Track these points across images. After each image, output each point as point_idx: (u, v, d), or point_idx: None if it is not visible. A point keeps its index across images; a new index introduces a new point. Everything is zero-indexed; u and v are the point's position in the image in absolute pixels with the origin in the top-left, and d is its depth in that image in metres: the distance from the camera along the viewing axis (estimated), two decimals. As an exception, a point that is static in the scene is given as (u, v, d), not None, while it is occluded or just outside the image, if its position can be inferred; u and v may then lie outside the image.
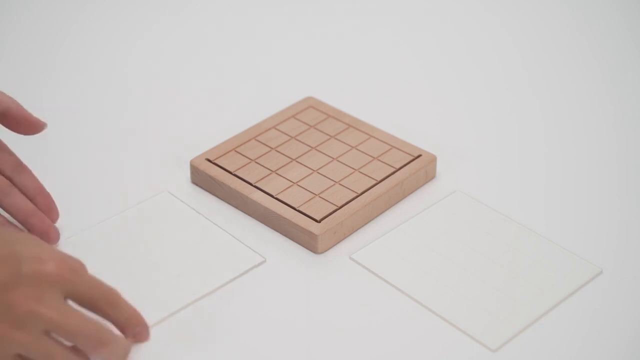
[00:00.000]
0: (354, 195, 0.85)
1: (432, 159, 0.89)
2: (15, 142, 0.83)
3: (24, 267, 0.65)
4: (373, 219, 0.86)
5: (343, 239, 0.83)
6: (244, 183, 0.86)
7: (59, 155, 0.93)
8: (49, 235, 0.81)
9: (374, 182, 0.87)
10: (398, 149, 0.90)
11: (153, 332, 0.72)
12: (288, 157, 0.89)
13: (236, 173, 0.87)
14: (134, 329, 0.69)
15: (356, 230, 0.84)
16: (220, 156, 0.90)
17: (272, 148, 0.91)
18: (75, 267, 0.67)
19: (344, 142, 0.91)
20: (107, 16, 1.19)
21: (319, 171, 0.88)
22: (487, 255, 0.81)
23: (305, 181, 0.87)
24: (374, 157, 0.90)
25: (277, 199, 0.85)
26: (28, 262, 0.65)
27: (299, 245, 0.83)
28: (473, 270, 0.80)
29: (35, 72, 1.06)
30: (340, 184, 0.87)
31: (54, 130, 0.93)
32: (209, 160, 0.89)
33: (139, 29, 1.15)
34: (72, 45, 1.11)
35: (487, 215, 0.85)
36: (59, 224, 0.83)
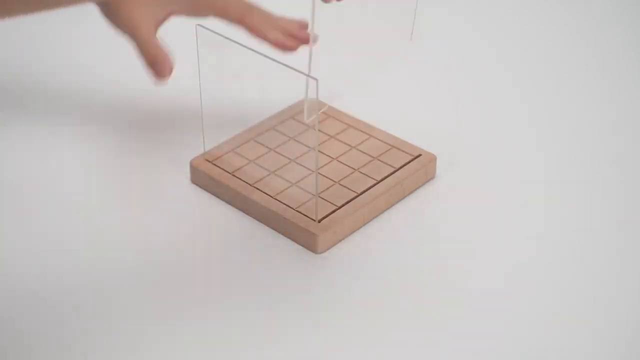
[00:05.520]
0: (354, 195, 0.85)
1: (432, 159, 0.89)
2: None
3: None
4: (373, 219, 0.86)
5: (343, 239, 0.83)
6: (244, 183, 0.86)
7: (59, 155, 0.93)
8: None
9: (374, 181, 0.87)
10: (398, 148, 0.90)
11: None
12: (287, 157, 0.89)
13: (235, 173, 0.87)
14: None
15: (356, 230, 0.84)
16: (219, 157, 0.90)
17: (271, 149, 0.91)
18: None
19: (343, 142, 0.91)
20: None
21: (318, 171, 0.88)
22: (487, 255, 0.82)
23: (305, 181, 0.87)
24: (373, 157, 0.89)
25: (276, 199, 0.85)
26: None
27: (298, 245, 0.83)
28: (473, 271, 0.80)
29: (37, 71, 1.06)
30: (340, 184, 0.87)
31: (54, 129, 0.93)
32: (209, 161, 0.89)
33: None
34: (71, 45, 1.11)
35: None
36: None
